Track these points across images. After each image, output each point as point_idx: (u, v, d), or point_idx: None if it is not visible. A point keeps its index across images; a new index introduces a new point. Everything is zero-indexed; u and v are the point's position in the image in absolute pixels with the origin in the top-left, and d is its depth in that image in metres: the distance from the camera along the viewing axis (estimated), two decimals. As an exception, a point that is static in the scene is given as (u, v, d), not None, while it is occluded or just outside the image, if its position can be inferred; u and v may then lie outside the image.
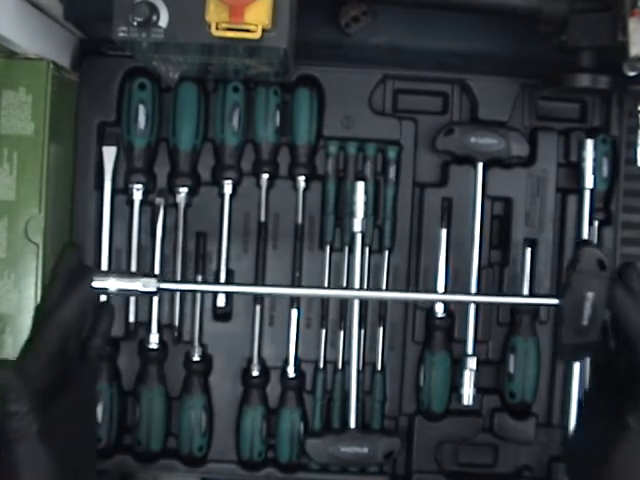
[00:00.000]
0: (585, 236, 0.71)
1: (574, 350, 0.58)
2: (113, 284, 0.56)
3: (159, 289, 0.56)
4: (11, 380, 0.54)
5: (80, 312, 0.56)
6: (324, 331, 0.74)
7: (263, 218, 0.73)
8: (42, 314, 0.56)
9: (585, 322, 0.56)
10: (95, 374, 0.62)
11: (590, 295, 0.56)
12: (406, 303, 0.74)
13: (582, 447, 0.59)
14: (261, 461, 0.74)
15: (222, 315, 0.74)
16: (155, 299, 0.72)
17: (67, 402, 0.56)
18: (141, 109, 0.71)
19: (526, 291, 0.73)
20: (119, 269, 0.59)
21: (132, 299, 0.72)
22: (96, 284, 0.55)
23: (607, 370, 0.58)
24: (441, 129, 0.72)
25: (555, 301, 0.58)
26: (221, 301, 0.73)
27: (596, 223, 0.73)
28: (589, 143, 0.71)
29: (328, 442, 0.71)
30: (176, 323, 0.73)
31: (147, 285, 0.56)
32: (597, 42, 0.63)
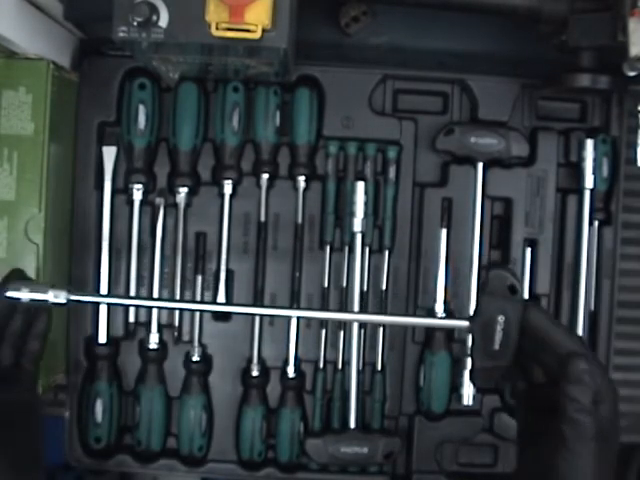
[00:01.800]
0: (585, 236, 0.71)
1: (486, 374, 0.57)
2: (25, 294, 0.57)
3: (69, 300, 0.57)
4: None
5: (6, 319, 0.58)
6: (324, 331, 0.74)
7: (263, 218, 0.73)
8: None
9: (496, 346, 0.55)
10: (32, 378, 0.62)
11: (501, 319, 0.55)
12: (406, 303, 0.74)
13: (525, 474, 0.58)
14: (261, 461, 0.74)
15: (222, 315, 0.74)
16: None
17: (4, 402, 0.56)
18: (141, 109, 0.71)
19: (526, 291, 0.73)
20: (34, 281, 0.62)
21: (132, 299, 0.73)
22: (9, 294, 0.57)
23: (528, 393, 0.57)
24: (441, 129, 0.72)
25: (465, 323, 0.57)
26: (221, 301, 0.73)
27: (596, 223, 0.73)
28: (589, 143, 0.71)
29: (328, 442, 0.71)
30: (176, 323, 0.73)
31: (57, 296, 0.57)
32: (597, 42, 0.63)
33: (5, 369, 0.58)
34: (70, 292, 0.57)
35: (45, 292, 0.57)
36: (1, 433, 0.55)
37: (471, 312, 0.71)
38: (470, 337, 0.56)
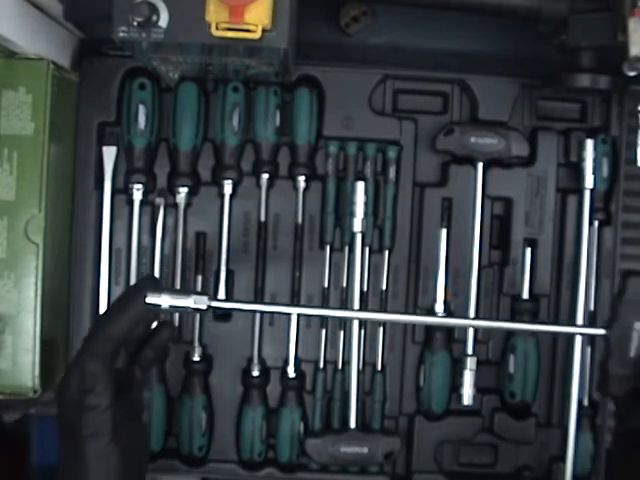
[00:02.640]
0: (585, 236, 0.71)
1: (620, 382, 0.58)
2: (165, 300, 0.57)
3: (209, 307, 0.58)
4: (100, 371, 0.55)
5: (131, 326, 0.58)
6: (324, 331, 0.74)
7: (263, 218, 0.73)
8: (96, 325, 0.58)
9: (632, 354, 0.56)
10: (143, 385, 0.63)
11: (638, 326, 0.55)
12: (406, 303, 0.74)
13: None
14: (261, 461, 0.74)
15: (222, 315, 0.74)
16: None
17: (122, 406, 0.56)
18: (141, 109, 0.71)
19: (526, 291, 0.73)
20: (172, 287, 0.61)
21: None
22: (149, 300, 0.57)
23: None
24: (441, 129, 0.72)
25: (602, 331, 0.58)
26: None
27: (596, 223, 0.73)
28: (589, 143, 0.71)
29: (328, 442, 0.71)
30: (176, 323, 0.73)
31: (198, 302, 0.57)
32: (597, 42, 0.63)
33: (119, 372, 0.58)
34: (211, 298, 0.58)
35: (186, 298, 0.57)
36: (122, 436, 0.55)
37: (471, 312, 0.72)
38: (606, 345, 0.56)
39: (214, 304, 0.58)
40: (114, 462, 0.55)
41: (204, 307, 0.58)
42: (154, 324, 0.63)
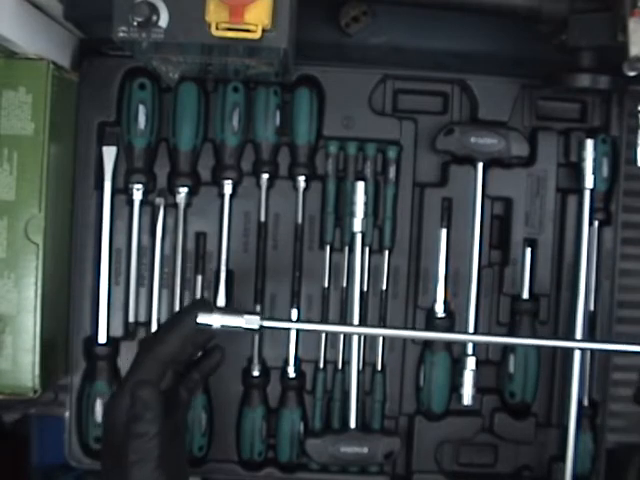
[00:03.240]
0: (585, 236, 0.71)
1: None
2: (217, 320, 0.57)
3: (261, 327, 0.58)
4: (150, 399, 0.55)
5: (181, 347, 0.58)
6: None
7: (263, 218, 0.73)
8: (145, 346, 0.59)
9: None
10: (187, 406, 0.63)
11: None
12: (406, 303, 0.74)
13: None
14: (261, 461, 0.74)
15: (222, 315, 0.74)
16: (155, 299, 0.72)
17: (167, 432, 0.56)
18: (141, 109, 0.71)
19: (526, 291, 0.73)
20: (224, 307, 0.61)
21: (132, 297, 0.72)
22: (200, 320, 0.57)
23: None
24: (441, 129, 0.72)
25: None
26: (221, 301, 0.73)
27: (596, 223, 0.73)
28: (589, 143, 0.71)
29: (328, 442, 0.71)
30: (176, 323, 0.73)
31: (250, 322, 0.58)
32: (597, 42, 0.63)
33: (165, 392, 0.58)
34: (262, 318, 0.58)
35: (238, 317, 0.57)
36: (167, 459, 0.55)
37: (471, 312, 0.72)
38: None
39: (266, 324, 0.59)
40: None
41: (256, 327, 0.58)
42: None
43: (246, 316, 0.58)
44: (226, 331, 0.73)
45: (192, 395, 0.63)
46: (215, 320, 0.57)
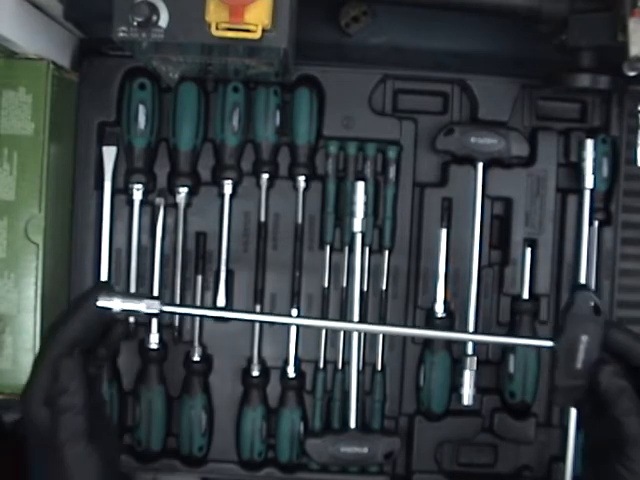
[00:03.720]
0: (585, 236, 0.71)
1: (567, 393, 0.58)
2: (117, 304, 0.57)
3: (162, 311, 0.58)
4: (74, 370, 0.54)
5: (85, 329, 0.57)
6: (324, 331, 0.74)
7: (263, 218, 0.73)
8: (50, 331, 0.58)
9: (579, 365, 0.57)
10: (100, 382, 0.64)
11: (584, 339, 0.57)
12: (406, 303, 0.74)
13: None
14: (261, 461, 0.74)
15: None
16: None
17: (92, 409, 0.56)
18: (141, 109, 0.71)
19: (526, 291, 0.73)
20: (124, 291, 0.61)
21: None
22: (100, 303, 0.57)
23: (594, 417, 0.59)
24: (441, 129, 0.72)
25: (550, 343, 0.59)
26: (221, 301, 0.73)
27: (596, 223, 0.73)
28: (589, 143, 0.71)
29: (328, 442, 0.71)
30: (176, 323, 0.73)
31: (150, 307, 0.58)
32: (597, 42, 0.63)
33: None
34: (163, 303, 0.58)
35: (138, 302, 0.57)
36: (97, 436, 0.55)
37: (471, 312, 0.72)
38: (553, 357, 0.58)
39: (166, 309, 0.59)
40: (94, 465, 0.54)
41: (156, 311, 0.58)
42: None
43: (146, 300, 0.58)
44: (226, 331, 0.74)
45: (100, 370, 0.63)
46: (115, 304, 0.57)
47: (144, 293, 0.58)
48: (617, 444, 0.55)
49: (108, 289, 0.59)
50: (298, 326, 0.73)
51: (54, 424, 0.53)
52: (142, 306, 0.57)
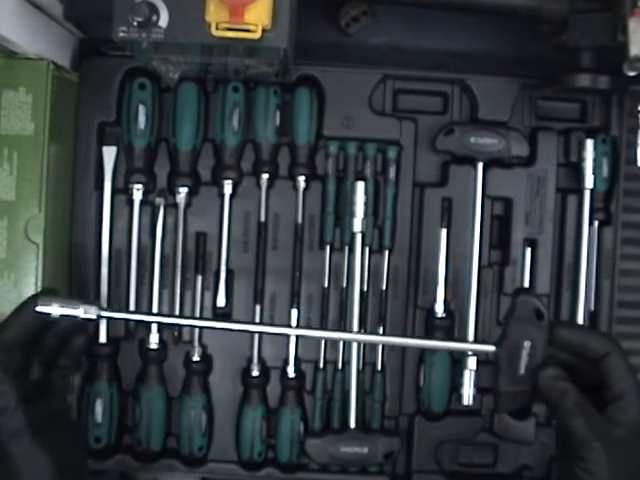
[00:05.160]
0: (585, 236, 0.71)
1: (510, 399, 0.58)
2: (55, 310, 0.58)
3: (99, 316, 0.59)
4: (2, 371, 0.55)
5: (24, 334, 0.58)
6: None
7: (263, 218, 0.73)
8: None
9: (522, 371, 0.56)
10: (63, 390, 0.63)
11: (527, 344, 0.56)
12: (406, 303, 0.74)
13: None
14: (261, 461, 0.74)
15: (222, 315, 0.74)
16: (155, 299, 0.72)
17: (41, 410, 0.56)
18: (141, 109, 0.71)
19: (526, 291, 0.73)
20: (64, 298, 0.62)
21: (132, 297, 0.72)
22: (39, 308, 0.57)
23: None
24: (441, 129, 0.72)
25: (492, 348, 0.59)
26: (221, 301, 0.73)
27: (596, 223, 0.73)
28: (589, 143, 0.71)
29: (328, 442, 0.71)
30: (176, 323, 0.73)
31: (88, 312, 0.58)
32: (597, 42, 0.63)
33: (35, 382, 0.59)
34: (100, 308, 0.58)
35: (76, 307, 0.57)
36: (46, 438, 0.55)
37: (471, 312, 0.72)
38: (495, 363, 0.57)
39: (104, 314, 0.59)
40: (43, 463, 0.54)
41: (94, 317, 0.58)
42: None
43: (83, 306, 0.58)
44: (225, 332, 0.74)
45: (66, 379, 0.63)
46: (54, 310, 0.57)
47: (82, 299, 0.59)
48: (570, 447, 0.55)
49: (49, 295, 0.59)
50: (296, 336, 0.73)
51: None
52: (80, 311, 0.58)
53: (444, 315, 0.73)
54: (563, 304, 0.74)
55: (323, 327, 0.74)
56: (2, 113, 0.65)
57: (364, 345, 0.73)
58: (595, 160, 0.71)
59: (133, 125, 0.71)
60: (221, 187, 0.72)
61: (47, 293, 0.60)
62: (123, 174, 0.72)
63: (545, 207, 0.74)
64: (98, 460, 0.72)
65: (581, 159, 0.71)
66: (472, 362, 0.72)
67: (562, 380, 0.56)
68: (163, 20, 0.53)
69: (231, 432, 0.74)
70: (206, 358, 0.73)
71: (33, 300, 0.58)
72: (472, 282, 0.72)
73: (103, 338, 0.72)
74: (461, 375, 0.72)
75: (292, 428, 0.73)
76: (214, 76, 0.71)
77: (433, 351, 0.73)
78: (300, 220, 0.73)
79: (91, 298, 0.71)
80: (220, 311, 0.74)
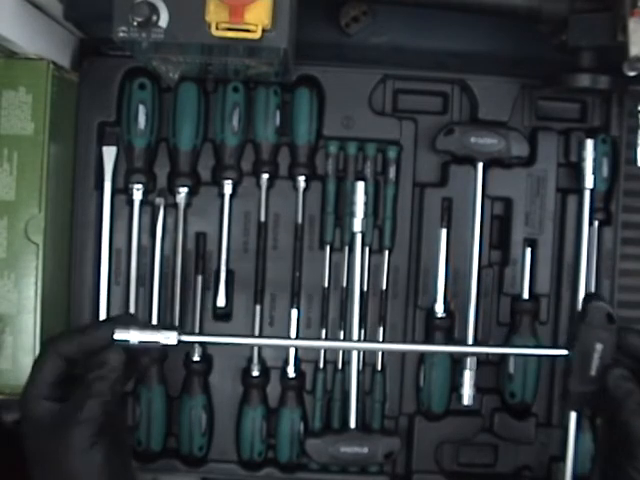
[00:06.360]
0: (585, 236, 0.71)
1: (579, 398, 0.61)
2: (134, 336, 0.57)
3: (180, 342, 0.58)
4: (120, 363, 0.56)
5: (84, 352, 0.57)
6: (324, 331, 0.74)
7: (263, 218, 0.73)
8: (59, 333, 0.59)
9: (593, 372, 0.59)
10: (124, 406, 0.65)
11: (599, 347, 0.59)
12: (406, 303, 0.74)
13: None
14: (261, 461, 0.74)
15: (222, 315, 0.74)
16: (155, 299, 0.72)
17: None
18: (141, 109, 0.71)
19: (526, 291, 0.73)
20: (142, 321, 0.61)
21: (132, 297, 0.72)
22: (117, 336, 0.57)
23: (605, 420, 0.62)
24: (441, 129, 0.72)
25: (565, 352, 0.61)
26: (221, 301, 0.73)
27: (596, 223, 0.73)
28: (589, 143, 0.71)
29: (328, 442, 0.71)
30: (176, 323, 0.73)
31: (168, 338, 0.58)
32: (597, 42, 0.62)
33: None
34: (180, 333, 0.58)
35: (155, 333, 0.57)
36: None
37: (471, 312, 0.72)
38: (568, 364, 0.61)
39: (184, 339, 0.59)
40: (100, 459, 0.54)
41: (174, 343, 0.58)
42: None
43: (163, 332, 0.58)
44: (226, 331, 0.73)
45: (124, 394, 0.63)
46: (132, 336, 0.57)
47: (161, 324, 0.58)
48: (626, 446, 0.56)
49: (129, 320, 0.59)
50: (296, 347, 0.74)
51: (76, 404, 0.54)
52: (160, 337, 0.58)
53: (444, 315, 0.73)
54: (563, 304, 0.74)
55: (324, 326, 0.74)
56: (2, 113, 0.65)
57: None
58: (595, 160, 0.71)
59: (133, 125, 0.71)
60: (221, 187, 0.72)
61: (124, 320, 0.59)
62: (123, 174, 0.72)
63: (545, 207, 0.74)
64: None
65: (581, 159, 0.71)
66: (472, 362, 0.72)
67: (628, 380, 0.59)
68: (163, 20, 0.53)
69: (231, 432, 0.74)
70: (206, 358, 0.73)
71: (109, 327, 0.57)
72: (472, 282, 0.72)
73: (103, 338, 0.72)
74: (461, 375, 0.72)
75: (292, 428, 0.73)
76: (214, 76, 0.71)
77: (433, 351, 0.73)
78: (300, 220, 0.73)
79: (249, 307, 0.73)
80: (220, 311, 0.74)
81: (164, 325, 0.72)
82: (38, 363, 0.57)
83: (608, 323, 0.60)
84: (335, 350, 0.74)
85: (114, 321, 0.59)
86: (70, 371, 0.57)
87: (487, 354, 0.74)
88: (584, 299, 0.65)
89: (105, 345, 0.57)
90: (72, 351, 0.57)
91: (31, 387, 0.56)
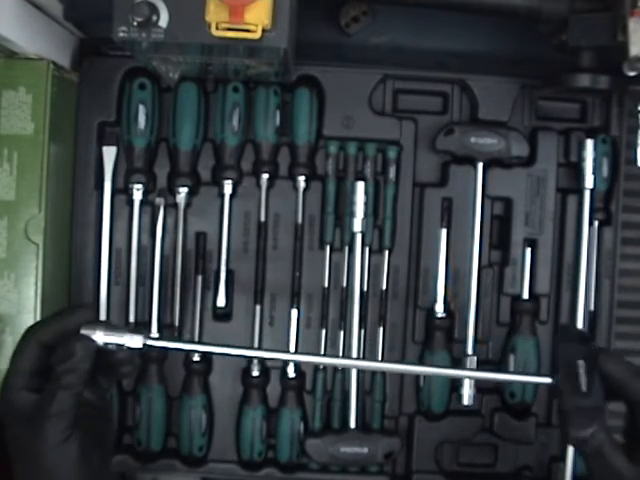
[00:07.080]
0: (585, 236, 0.71)
1: (583, 414, 0.55)
2: (99, 337, 0.56)
3: (145, 345, 0.57)
4: (89, 352, 0.54)
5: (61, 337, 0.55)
6: (324, 331, 0.74)
7: (263, 218, 0.73)
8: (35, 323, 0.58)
9: (584, 388, 0.56)
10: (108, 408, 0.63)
11: (581, 362, 0.57)
12: (406, 303, 0.74)
13: None
14: (261, 461, 0.74)
15: (222, 315, 0.74)
16: (155, 299, 0.72)
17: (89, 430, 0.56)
18: (141, 109, 0.71)
19: (526, 291, 0.73)
20: (109, 322, 0.60)
21: (132, 297, 0.72)
22: (83, 332, 0.55)
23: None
24: (441, 129, 0.72)
25: (548, 380, 0.58)
26: (221, 301, 0.73)
27: (596, 223, 0.73)
28: (589, 143, 0.71)
29: (328, 442, 0.71)
30: (176, 323, 0.73)
31: (133, 340, 0.57)
32: (597, 42, 0.62)
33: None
34: (147, 336, 0.57)
35: (121, 336, 0.56)
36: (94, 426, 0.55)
37: (471, 312, 0.72)
38: (555, 391, 0.58)
39: (150, 342, 0.58)
40: (74, 450, 0.53)
41: (139, 346, 0.57)
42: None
43: (128, 335, 0.56)
44: (226, 331, 0.73)
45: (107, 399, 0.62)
46: (98, 337, 0.55)
47: (128, 327, 0.57)
48: None
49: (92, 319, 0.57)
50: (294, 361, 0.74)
51: (47, 397, 0.53)
52: (125, 339, 0.56)
53: (444, 315, 0.73)
54: (563, 304, 0.74)
55: (323, 326, 0.74)
56: (2, 113, 0.65)
57: (364, 345, 0.73)
58: (595, 160, 0.71)
59: (133, 125, 0.71)
60: (221, 187, 0.72)
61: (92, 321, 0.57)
62: (123, 174, 0.72)
63: (545, 207, 0.74)
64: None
65: (581, 159, 0.71)
66: (472, 362, 0.72)
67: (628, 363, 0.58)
68: (163, 20, 0.53)
69: (231, 432, 0.74)
70: (206, 358, 0.73)
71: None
72: (472, 282, 0.72)
73: (103, 338, 0.72)
74: (461, 375, 0.72)
75: (292, 428, 0.73)
76: (214, 76, 0.71)
77: (433, 351, 0.73)
78: (300, 220, 0.73)
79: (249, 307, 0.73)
80: (220, 311, 0.74)
81: (161, 324, 0.72)
82: (17, 352, 0.55)
83: (583, 341, 0.59)
84: (335, 350, 0.74)
85: (90, 307, 0.58)
86: (49, 359, 0.55)
87: (487, 354, 0.74)
88: (558, 330, 0.66)
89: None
90: (49, 336, 0.55)
91: (11, 377, 0.55)
